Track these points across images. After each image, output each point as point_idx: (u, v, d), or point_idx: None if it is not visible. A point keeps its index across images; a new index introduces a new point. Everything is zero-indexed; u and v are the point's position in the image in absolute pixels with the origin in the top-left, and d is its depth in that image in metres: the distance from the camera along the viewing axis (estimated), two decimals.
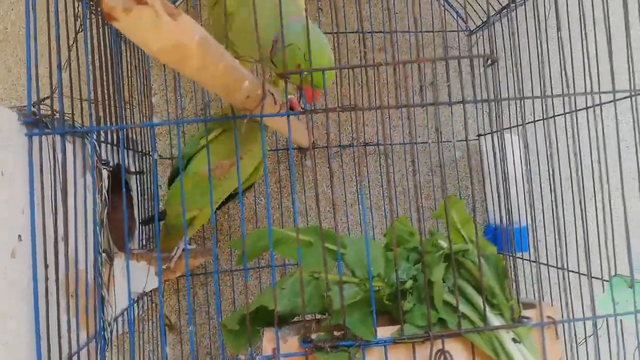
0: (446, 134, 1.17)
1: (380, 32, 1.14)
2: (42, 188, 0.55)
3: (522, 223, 1.04)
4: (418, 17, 1.12)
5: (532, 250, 1.01)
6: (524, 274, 1.05)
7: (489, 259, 0.58)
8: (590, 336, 0.76)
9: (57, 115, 0.58)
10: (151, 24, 0.28)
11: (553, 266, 0.86)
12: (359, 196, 0.97)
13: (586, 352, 0.75)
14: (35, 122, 0.54)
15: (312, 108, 0.52)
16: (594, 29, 0.75)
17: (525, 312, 0.57)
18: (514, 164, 1.02)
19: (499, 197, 0.91)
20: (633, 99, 0.67)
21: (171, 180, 0.82)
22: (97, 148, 0.65)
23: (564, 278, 0.57)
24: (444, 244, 0.58)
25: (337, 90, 0.98)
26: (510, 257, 0.97)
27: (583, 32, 0.75)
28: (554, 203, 0.78)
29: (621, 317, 0.61)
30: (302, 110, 0.53)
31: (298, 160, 1.14)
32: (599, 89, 0.71)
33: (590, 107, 0.70)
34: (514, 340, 0.54)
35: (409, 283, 0.56)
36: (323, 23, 1.13)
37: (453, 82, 1.07)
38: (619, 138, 0.69)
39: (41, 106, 0.59)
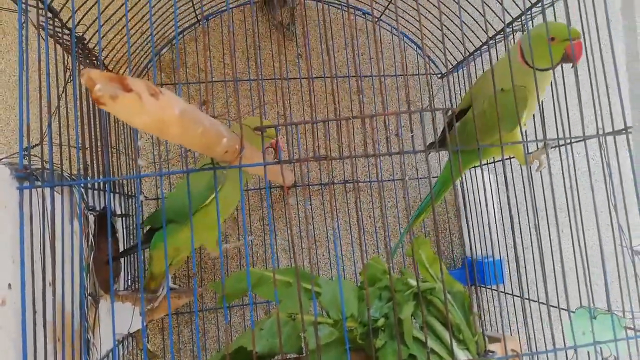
0: (423, 170, 1.22)
1: (355, 76, 1.20)
2: (32, 236, 0.58)
3: (495, 256, 1.08)
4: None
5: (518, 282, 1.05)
6: (497, 306, 1.08)
7: (456, 296, 0.61)
8: None
9: (47, 166, 0.61)
10: (135, 106, 0.32)
11: (509, 294, 0.90)
12: (334, 236, 1.01)
13: None
14: (26, 176, 0.58)
15: (286, 159, 0.57)
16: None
17: (491, 346, 0.60)
18: (486, 199, 1.08)
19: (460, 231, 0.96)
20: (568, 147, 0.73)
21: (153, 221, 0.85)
22: (85, 196, 0.69)
23: (523, 309, 0.61)
24: (413, 282, 0.61)
25: (313, 139, 1.04)
26: (474, 289, 1.00)
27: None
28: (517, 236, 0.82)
29: (581, 348, 0.64)
30: (276, 161, 0.57)
31: (282, 198, 1.18)
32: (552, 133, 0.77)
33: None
34: None
35: (381, 321, 0.59)
36: (302, 68, 1.19)
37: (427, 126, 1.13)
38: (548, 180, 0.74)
39: (31, 154, 0.63)
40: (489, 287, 1.10)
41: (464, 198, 1.16)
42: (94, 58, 0.84)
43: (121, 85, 0.31)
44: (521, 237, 0.96)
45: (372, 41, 1.22)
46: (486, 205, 1.08)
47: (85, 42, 0.79)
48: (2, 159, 0.64)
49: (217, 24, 1.16)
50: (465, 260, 1.20)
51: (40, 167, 0.62)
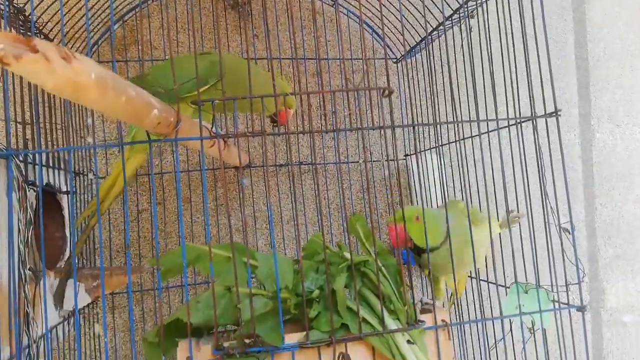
0: (377, 153, 1.24)
1: (313, 58, 1.21)
2: None
3: None
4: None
5: None
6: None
7: (389, 268, 0.64)
8: (500, 340, 0.84)
9: None
10: (43, 68, 0.32)
11: None
12: (268, 213, 1.02)
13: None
14: None
15: (224, 133, 0.57)
16: (503, 61, 0.84)
17: (421, 316, 0.63)
18: (434, 181, 1.11)
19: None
20: (518, 126, 0.76)
21: None
22: (22, 169, 0.68)
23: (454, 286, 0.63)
24: (348, 255, 0.63)
25: (251, 115, 1.05)
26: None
27: (490, 66, 0.84)
28: None
29: (507, 318, 0.68)
30: (213, 135, 0.58)
31: (235, 178, 1.19)
32: (508, 114, 0.80)
33: (483, 133, 0.78)
34: (408, 341, 0.59)
35: (316, 292, 0.61)
36: (258, 49, 1.18)
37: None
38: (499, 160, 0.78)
39: None
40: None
41: (410, 181, 1.19)
42: (37, 31, 0.82)
43: (28, 46, 0.31)
44: None
45: (328, 24, 1.23)
46: (435, 187, 1.11)
47: (27, 14, 0.78)
48: None
49: (171, 2, 1.15)
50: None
51: None
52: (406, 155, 1.22)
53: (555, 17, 1.42)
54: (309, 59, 1.21)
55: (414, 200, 1.21)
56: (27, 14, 0.78)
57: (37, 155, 0.69)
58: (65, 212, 0.89)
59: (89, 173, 1.01)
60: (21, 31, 0.79)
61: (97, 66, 0.38)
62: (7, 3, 0.70)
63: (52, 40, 0.90)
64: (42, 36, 0.88)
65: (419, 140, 1.15)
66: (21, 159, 0.69)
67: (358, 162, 1.22)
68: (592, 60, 1.44)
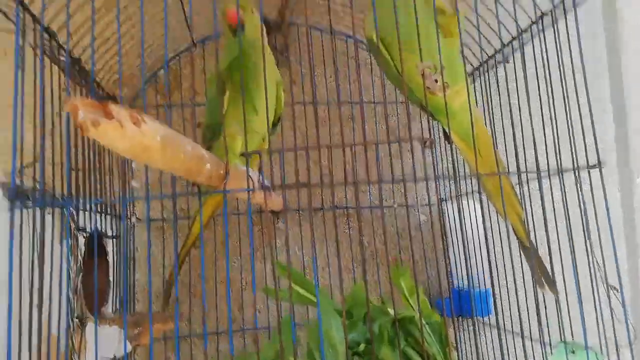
0: (410, 198, 1.23)
1: (349, 102, 1.22)
2: (20, 257, 0.59)
3: (482, 287, 1.09)
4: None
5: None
6: (485, 337, 1.08)
7: (433, 326, 0.62)
8: None
9: (38, 187, 0.63)
10: (117, 133, 0.34)
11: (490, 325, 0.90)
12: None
13: None
14: (18, 196, 0.59)
15: (271, 185, 0.59)
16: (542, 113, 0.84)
17: None
18: (472, 228, 1.09)
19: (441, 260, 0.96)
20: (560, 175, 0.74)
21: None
22: (75, 216, 0.70)
23: (500, 340, 0.62)
24: (392, 311, 0.62)
25: (295, 165, 1.06)
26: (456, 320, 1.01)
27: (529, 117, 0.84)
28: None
29: None
30: (262, 187, 0.59)
31: (272, 222, 1.19)
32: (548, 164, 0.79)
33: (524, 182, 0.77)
34: None
35: (362, 346, 0.60)
36: (295, 93, 1.21)
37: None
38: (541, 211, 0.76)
39: (23, 175, 0.64)
40: (475, 318, 1.10)
41: (446, 227, 1.17)
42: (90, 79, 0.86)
43: (104, 112, 0.33)
44: (504, 268, 0.96)
45: (362, 69, 1.25)
46: (473, 234, 1.10)
47: (82, 63, 0.82)
48: None
49: (213, 48, 1.19)
50: (452, 291, 1.21)
51: (31, 187, 0.64)
52: (442, 199, 1.21)
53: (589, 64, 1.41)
54: (347, 102, 1.22)
55: (451, 247, 1.18)
56: (82, 63, 0.82)
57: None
58: (110, 257, 0.91)
59: (132, 216, 1.04)
60: (82, 82, 0.83)
61: (162, 127, 0.40)
62: (67, 53, 0.74)
63: (102, 87, 0.95)
64: (96, 84, 0.92)
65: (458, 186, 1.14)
66: (73, 206, 0.71)
67: (393, 206, 1.21)
68: (628, 105, 1.41)
